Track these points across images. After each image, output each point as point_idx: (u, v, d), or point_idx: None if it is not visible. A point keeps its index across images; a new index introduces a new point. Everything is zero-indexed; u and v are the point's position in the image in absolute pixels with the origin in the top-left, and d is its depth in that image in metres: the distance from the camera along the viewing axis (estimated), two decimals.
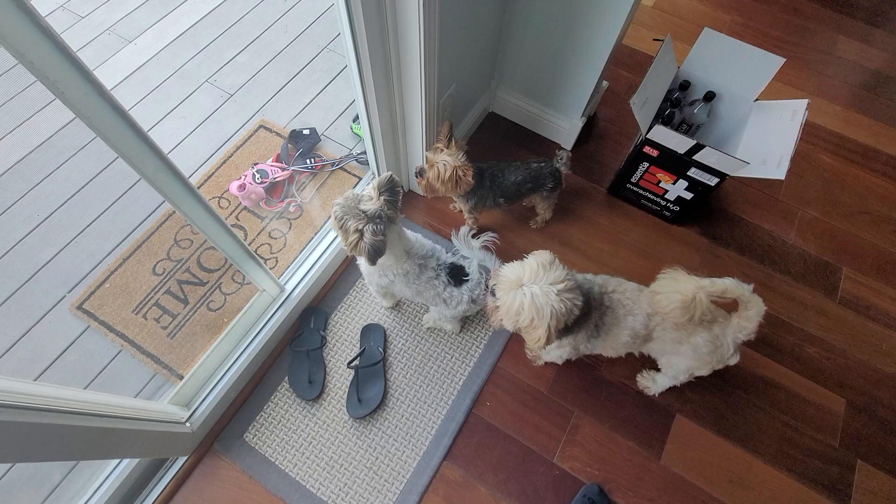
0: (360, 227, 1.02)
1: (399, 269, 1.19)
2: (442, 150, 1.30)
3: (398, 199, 1.10)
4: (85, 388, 1.41)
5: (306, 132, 1.83)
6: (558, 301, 0.95)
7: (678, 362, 1.19)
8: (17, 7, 0.58)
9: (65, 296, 1.53)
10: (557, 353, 1.25)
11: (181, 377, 1.41)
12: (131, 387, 1.42)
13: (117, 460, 1.20)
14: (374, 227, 1.03)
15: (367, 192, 1.08)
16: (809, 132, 1.96)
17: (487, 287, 1.08)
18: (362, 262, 1.22)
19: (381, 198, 1.06)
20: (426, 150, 1.35)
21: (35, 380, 1.41)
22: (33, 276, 1.56)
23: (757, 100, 1.56)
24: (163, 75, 2.00)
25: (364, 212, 1.03)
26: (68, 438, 0.88)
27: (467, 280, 1.27)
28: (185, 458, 1.29)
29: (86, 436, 0.92)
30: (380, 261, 1.15)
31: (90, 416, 0.93)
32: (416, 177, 1.37)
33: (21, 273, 1.56)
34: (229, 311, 1.53)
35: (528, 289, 0.95)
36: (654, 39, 2.11)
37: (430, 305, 1.38)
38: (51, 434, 0.84)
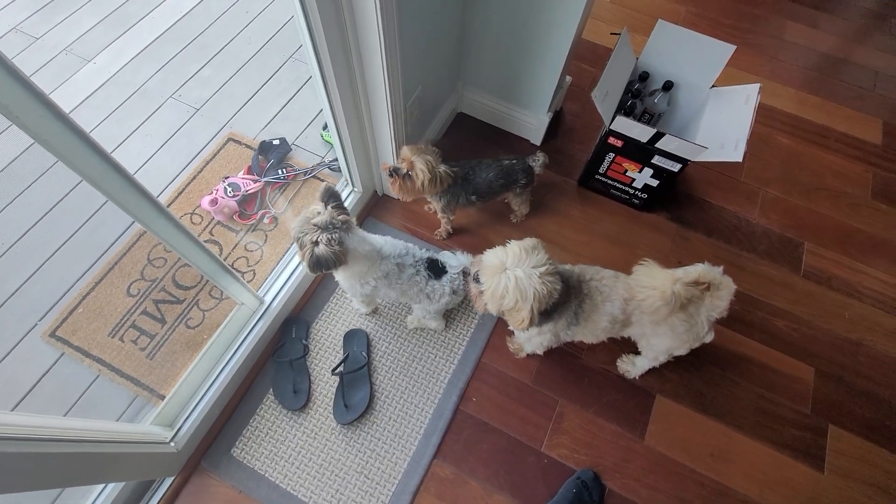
0: (314, 238, 1.03)
1: (378, 272, 1.20)
2: (420, 150, 1.32)
3: (342, 202, 1.12)
4: (64, 416, 1.38)
5: (276, 142, 1.82)
6: (540, 283, 0.98)
7: (657, 343, 1.24)
8: None
9: (36, 324, 1.49)
10: (538, 340, 1.28)
11: (163, 397, 1.39)
12: (112, 411, 1.39)
13: (102, 485, 1.17)
14: (329, 237, 1.04)
15: (315, 208, 1.09)
16: (766, 115, 2.04)
17: (469, 274, 1.11)
18: (341, 276, 1.23)
19: (328, 207, 1.07)
20: (403, 146, 1.36)
21: (11, 411, 1.37)
22: (1, 306, 1.51)
23: (713, 86, 1.62)
24: (125, 93, 1.97)
25: (316, 225, 1.05)
26: (50, 466, 0.87)
27: (447, 272, 1.29)
28: (172, 478, 1.27)
29: (68, 462, 0.91)
30: (356, 269, 1.16)
31: (71, 442, 0.92)
32: (390, 177, 1.37)
33: None
34: (209, 326, 1.52)
35: (512, 272, 0.98)
36: (611, 33, 2.16)
37: (413, 304, 1.39)
38: (31, 463, 0.82)
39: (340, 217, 1.07)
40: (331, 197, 1.09)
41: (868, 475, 1.36)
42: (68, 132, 0.74)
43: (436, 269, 1.28)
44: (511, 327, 1.41)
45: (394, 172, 1.34)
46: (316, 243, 1.03)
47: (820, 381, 1.49)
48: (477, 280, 1.07)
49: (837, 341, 1.55)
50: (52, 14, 2.17)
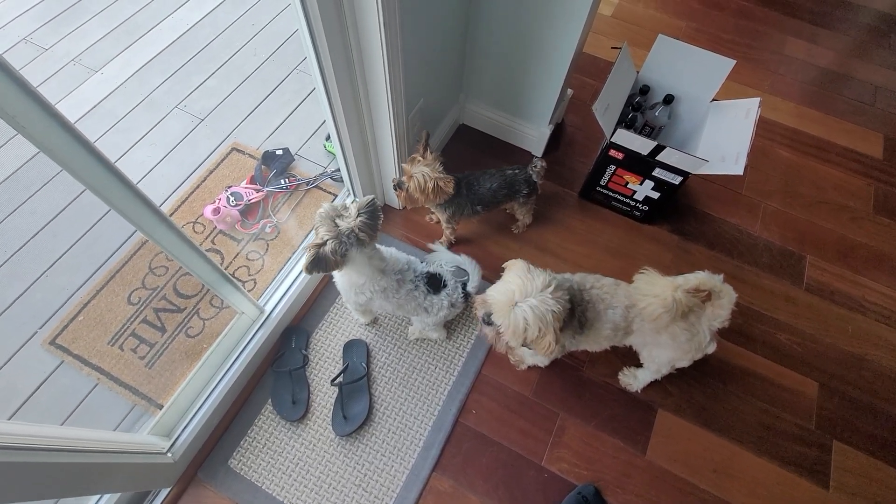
0: (324, 238, 1.03)
1: (376, 286, 1.19)
2: (419, 161, 1.33)
3: (377, 223, 1.10)
4: (61, 425, 1.37)
5: (279, 152, 1.84)
6: (555, 304, 0.97)
7: (659, 354, 1.23)
8: None
9: (36, 331, 1.49)
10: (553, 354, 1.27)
11: (161, 407, 1.38)
12: (110, 420, 1.39)
13: (97, 496, 1.16)
14: (335, 245, 1.03)
15: (350, 209, 1.08)
16: (766, 128, 2.05)
17: (480, 318, 1.07)
18: (339, 281, 1.23)
19: (359, 218, 1.06)
20: (403, 163, 1.37)
21: (8, 419, 1.37)
22: (2, 314, 1.51)
23: (714, 100, 1.63)
24: (131, 103, 1.99)
25: (337, 226, 1.04)
26: (44, 476, 0.86)
27: (445, 287, 1.29)
28: (168, 489, 1.26)
29: (63, 472, 0.90)
30: (353, 279, 1.16)
31: (67, 452, 0.91)
32: (395, 189, 1.39)
33: None
34: (208, 336, 1.51)
35: (525, 303, 0.96)
36: (612, 48, 2.19)
37: (411, 317, 1.39)
38: (26, 473, 0.81)
39: (362, 234, 1.06)
40: (370, 210, 1.07)
41: (875, 493, 1.34)
42: (73, 142, 0.75)
43: (435, 284, 1.28)
44: (528, 355, 1.40)
45: (397, 186, 1.37)
46: (323, 244, 1.02)
47: (824, 396, 1.47)
48: (488, 322, 1.03)
49: (841, 356, 1.54)
50: (62, 25, 2.21)
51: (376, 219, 1.10)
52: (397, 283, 1.21)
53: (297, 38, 2.23)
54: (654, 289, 1.05)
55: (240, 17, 2.29)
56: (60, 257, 1.63)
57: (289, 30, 2.27)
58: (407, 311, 1.32)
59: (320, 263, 1.03)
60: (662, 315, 1.04)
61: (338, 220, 1.05)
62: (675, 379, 1.43)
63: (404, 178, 1.35)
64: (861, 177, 1.93)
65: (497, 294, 1.00)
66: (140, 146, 1.89)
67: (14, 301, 1.54)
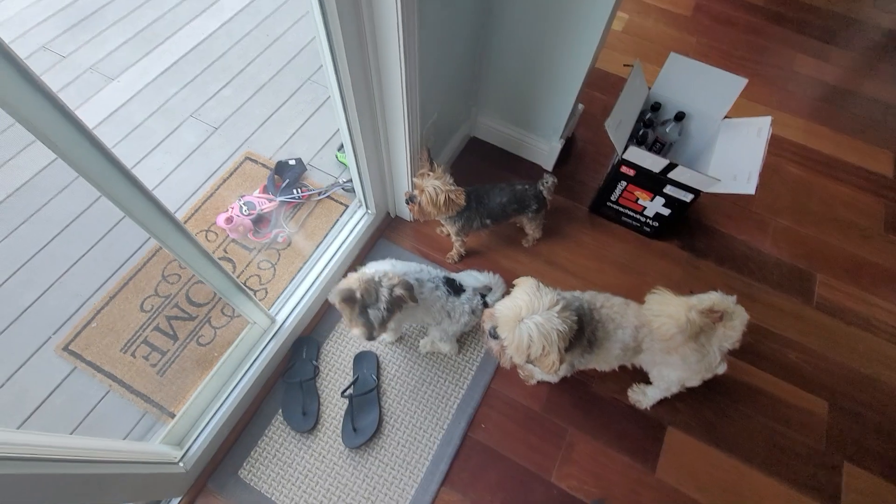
0: (368, 303, 1.08)
1: None
2: (429, 175, 1.34)
3: (412, 292, 1.15)
4: (72, 432, 1.38)
5: (292, 162, 1.86)
6: (561, 323, 0.97)
7: (669, 373, 1.23)
8: None
9: (50, 337, 1.50)
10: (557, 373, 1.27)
11: (173, 415, 1.39)
12: (121, 428, 1.39)
13: None
14: (380, 312, 1.09)
15: (391, 280, 1.12)
16: (776, 144, 2.05)
17: (486, 331, 1.09)
18: None
19: (395, 292, 1.11)
20: (413, 177, 1.39)
21: (20, 425, 1.38)
22: (17, 319, 1.53)
23: (725, 118, 1.64)
24: (147, 111, 2.02)
25: (377, 295, 1.09)
26: (55, 488, 0.86)
27: (464, 290, 1.32)
28: (179, 499, 1.26)
29: (74, 483, 0.90)
30: None
31: (78, 462, 0.91)
32: (407, 203, 1.41)
33: (5, 317, 1.53)
34: (220, 344, 1.52)
35: (531, 320, 0.96)
36: (624, 65, 2.21)
37: (433, 323, 1.38)
38: (36, 484, 0.82)
39: (397, 297, 1.11)
40: (409, 289, 1.13)
41: None
42: (92, 149, 0.75)
43: (454, 287, 1.30)
44: (537, 371, 1.41)
45: (409, 200, 1.39)
46: (367, 307, 1.08)
47: (834, 415, 1.46)
48: (494, 335, 1.04)
49: (851, 375, 1.53)
50: (81, 33, 2.24)
51: (412, 290, 1.15)
52: (417, 283, 1.22)
53: (311, 50, 2.26)
54: (668, 308, 1.05)
55: (255, 28, 2.33)
56: (75, 264, 1.64)
57: (303, 41, 2.29)
58: (433, 315, 1.33)
59: (369, 322, 1.09)
60: (676, 335, 1.04)
61: (379, 291, 1.10)
62: (685, 396, 1.42)
63: (416, 192, 1.37)
64: (871, 195, 1.93)
65: (504, 308, 1.01)
66: (155, 154, 1.91)
67: (29, 306, 1.55)
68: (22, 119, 0.66)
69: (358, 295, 1.07)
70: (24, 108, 0.65)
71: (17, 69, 0.62)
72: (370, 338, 1.12)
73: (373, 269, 1.15)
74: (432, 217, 1.41)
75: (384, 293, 1.09)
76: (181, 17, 2.34)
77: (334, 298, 1.08)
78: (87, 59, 2.16)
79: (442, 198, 1.33)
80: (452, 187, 1.34)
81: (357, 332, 1.12)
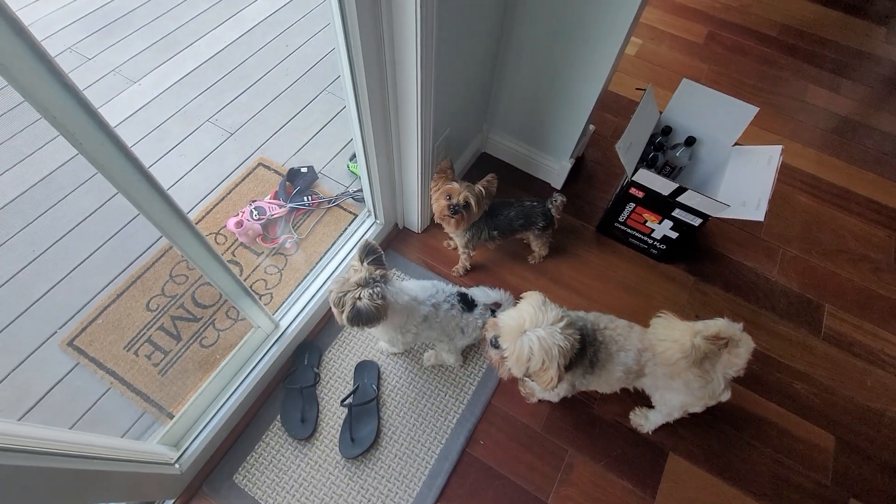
0: (356, 294, 1.05)
1: (418, 317, 1.22)
2: (454, 181, 1.37)
3: (381, 255, 1.14)
4: (71, 428, 1.38)
5: (304, 170, 1.88)
6: (563, 339, 0.97)
7: (672, 398, 1.21)
8: (27, 48, 0.61)
9: (56, 331, 1.52)
10: (555, 390, 1.26)
11: (171, 416, 1.38)
12: (119, 426, 1.39)
13: None
14: (371, 291, 1.05)
15: (353, 265, 1.11)
16: (787, 174, 2.05)
17: (488, 340, 1.08)
18: (380, 331, 1.25)
19: (365, 263, 1.09)
20: (432, 189, 1.41)
21: (20, 418, 1.38)
22: (25, 312, 1.55)
23: (735, 144, 1.65)
24: (165, 114, 2.06)
25: (357, 283, 1.07)
26: (48, 482, 0.85)
27: (477, 305, 1.33)
28: (173, 500, 1.25)
29: (68, 479, 0.89)
30: (396, 321, 1.18)
31: (74, 457, 0.90)
32: (452, 216, 1.37)
33: (14, 309, 1.55)
34: (222, 347, 1.53)
35: (533, 333, 0.96)
36: (636, 89, 2.23)
37: (445, 341, 1.38)
38: (30, 477, 0.81)
39: (378, 272, 1.09)
40: (369, 253, 1.11)
41: None
42: (113, 148, 0.77)
43: (467, 303, 1.31)
44: (538, 390, 1.40)
45: (455, 210, 1.35)
46: (359, 298, 1.05)
47: (841, 450, 1.43)
48: (496, 345, 1.04)
49: (859, 410, 1.50)
50: (107, 37, 2.31)
51: (379, 252, 1.13)
52: (434, 308, 1.23)
53: (328, 61, 2.31)
54: (673, 333, 1.05)
55: (275, 38, 2.38)
56: (86, 259, 1.66)
57: (320, 52, 2.34)
58: (448, 333, 1.33)
59: (362, 315, 1.05)
60: (680, 360, 1.03)
61: (353, 281, 1.07)
62: (688, 422, 1.40)
63: (455, 200, 1.35)
64: (883, 228, 1.92)
65: (508, 319, 1.01)
66: (171, 156, 1.95)
67: (38, 300, 1.57)
68: (49, 115, 0.68)
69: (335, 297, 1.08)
70: (51, 105, 0.67)
71: (49, 68, 0.64)
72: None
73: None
74: (475, 219, 1.42)
75: (349, 300, 1.07)
76: (204, 25, 2.41)
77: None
78: (111, 62, 2.22)
79: (481, 189, 1.37)
80: (477, 186, 1.37)
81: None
